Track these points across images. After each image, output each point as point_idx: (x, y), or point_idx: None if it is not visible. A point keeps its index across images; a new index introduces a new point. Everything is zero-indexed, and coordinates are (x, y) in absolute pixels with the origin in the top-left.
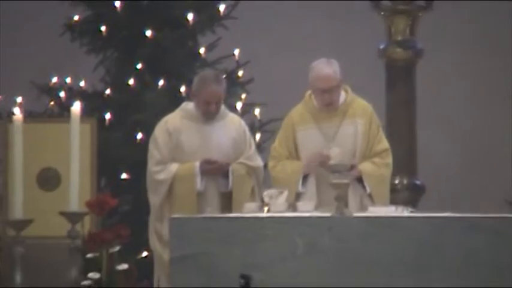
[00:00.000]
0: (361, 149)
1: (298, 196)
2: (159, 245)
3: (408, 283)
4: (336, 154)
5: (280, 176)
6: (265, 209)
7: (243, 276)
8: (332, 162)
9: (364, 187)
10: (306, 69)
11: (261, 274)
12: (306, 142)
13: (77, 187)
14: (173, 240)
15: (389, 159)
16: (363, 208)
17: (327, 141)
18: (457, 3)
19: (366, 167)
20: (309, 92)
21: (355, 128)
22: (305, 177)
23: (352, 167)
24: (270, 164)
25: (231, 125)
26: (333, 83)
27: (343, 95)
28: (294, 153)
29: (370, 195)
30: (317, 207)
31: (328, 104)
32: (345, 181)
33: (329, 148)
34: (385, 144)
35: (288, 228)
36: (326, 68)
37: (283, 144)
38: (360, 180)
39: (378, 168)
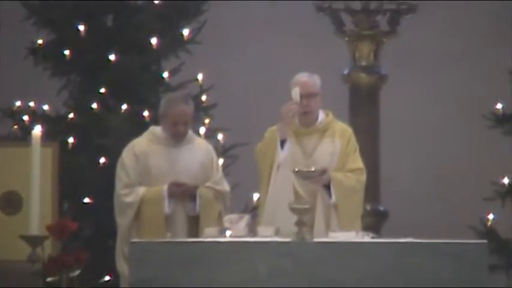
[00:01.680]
0: (335, 167)
1: (257, 219)
2: (126, 268)
3: None
4: (297, 93)
5: (259, 147)
6: (228, 233)
7: None
8: (306, 168)
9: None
10: (269, 92)
11: None
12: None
13: (38, 211)
14: (133, 264)
15: (363, 178)
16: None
17: (305, 157)
18: (421, 27)
19: (336, 174)
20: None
21: (334, 147)
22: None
23: (323, 173)
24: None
25: (198, 149)
26: (311, 89)
27: (323, 115)
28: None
29: (335, 208)
30: (277, 233)
31: (306, 112)
32: (306, 206)
33: (307, 165)
34: (359, 164)
35: (249, 253)
36: (306, 76)
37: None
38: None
39: (349, 180)
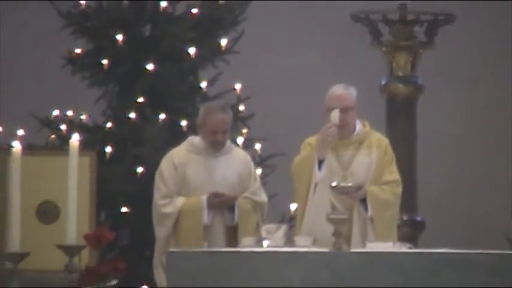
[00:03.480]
0: (372, 177)
1: (295, 230)
2: (164, 277)
3: None
4: (336, 115)
5: (296, 164)
6: (265, 243)
7: None
8: (343, 184)
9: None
10: (306, 103)
11: None
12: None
13: (75, 220)
14: (170, 274)
15: (399, 190)
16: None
17: (341, 169)
18: (459, 38)
19: (372, 189)
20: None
21: (370, 158)
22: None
23: (360, 188)
24: (292, 172)
25: (236, 159)
26: (347, 103)
27: (360, 126)
28: None
29: (371, 220)
30: (314, 243)
31: (342, 126)
32: (343, 217)
33: (343, 176)
34: (396, 175)
35: (285, 264)
36: (341, 89)
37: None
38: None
39: (384, 193)
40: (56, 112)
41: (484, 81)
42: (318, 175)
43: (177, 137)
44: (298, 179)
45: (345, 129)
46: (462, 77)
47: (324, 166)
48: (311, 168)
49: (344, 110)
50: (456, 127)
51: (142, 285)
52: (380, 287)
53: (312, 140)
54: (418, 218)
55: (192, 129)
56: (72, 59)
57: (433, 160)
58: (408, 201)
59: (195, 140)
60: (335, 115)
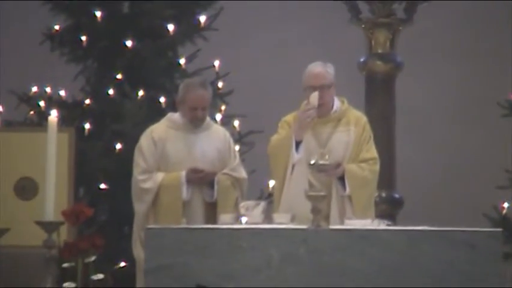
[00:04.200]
0: (350, 155)
1: (273, 207)
2: (142, 253)
3: None
4: (315, 97)
5: (272, 144)
6: (244, 220)
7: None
8: (322, 161)
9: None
10: (285, 80)
11: (235, 285)
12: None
13: (53, 197)
14: (148, 251)
15: (376, 167)
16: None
17: (319, 146)
18: (437, 15)
19: (350, 167)
20: (305, 101)
21: (348, 136)
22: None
23: (338, 166)
24: (269, 151)
25: (215, 136)
26: (324, 81)
27: (338, 103)
28: None
29: (350, 198)
30: (293, 220)
31: (320, 104)
32: (321, 194)
33: (321, 153)
34: (373, 153)
35: (263, 240)
36: (319, 67)
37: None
38: (343, 181)
39: (362, 171)
40: (34, 88)
41: (461, 58)
42: (296, 156)
43: (155, 113)
44: (275, 160)
45: (323, 107)
46: (440, 54)
47: (302, 147)
48: (289, 149)
49: (322, 88)
50: (434, 104)
51: (121, 261)
52: (358, 262)
53: (289, 118)
54: (397, 195)
55: (171, 106)
56: (51, 35)
57: (412, 137)
58: (386, 178)
59: (174, 116)
60: (314, 97)
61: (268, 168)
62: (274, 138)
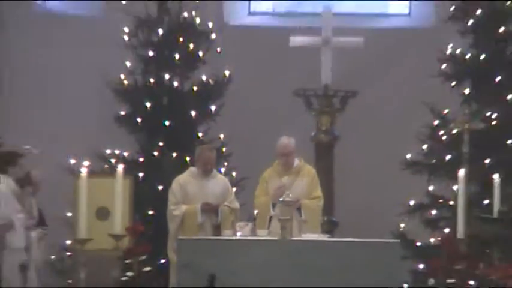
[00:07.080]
0: (304, 195)
1: (256, 226)
2: (175, 256)
3: (333, 282)
4: (285, 183)
5: (258, 206)
6: (239, 234)
7: (210, 276)
8: (287, 198)
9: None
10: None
11: (235, 277)
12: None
13: (120, 219)
14: (179, 254)
15: (321, 202)
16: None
17: (286, 189)
18: (360, 106)
19: (305, 202)
20: (276, 161)
21: (303, 182)
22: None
23: (297, 201)
24: (255, 201)
25: (220, 181)
26: (289, 149)
27: (297, 162)
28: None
29: (304, 221)
30: (269, 234)
31: (286, 164)
32: (287, 217)
33: (287, 194)
34: (319, 193)
35: (251, 247)
36: (285, 139)
37: (261, 191)
38: (300, 210)
39: (312, 204)
40: (108, 150)
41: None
42: (272, 212)
43: (183, 167)
44: (260, 211)
45: (287, 166)
46: (367, 130)
47: (276, 207)
48: (268, 207)
49: (287, 154)
50: (362, 161)
51: (161, 259)
52: (310, 260)
53: (266, 174)
54: (334, 219)
55: (191, 163)
56: (118, 118)
57: (346, 181)
58: (328, 208)
59: (193, 169)
60: (284, 181)
61: (253, 202)
62: (258, 198)
